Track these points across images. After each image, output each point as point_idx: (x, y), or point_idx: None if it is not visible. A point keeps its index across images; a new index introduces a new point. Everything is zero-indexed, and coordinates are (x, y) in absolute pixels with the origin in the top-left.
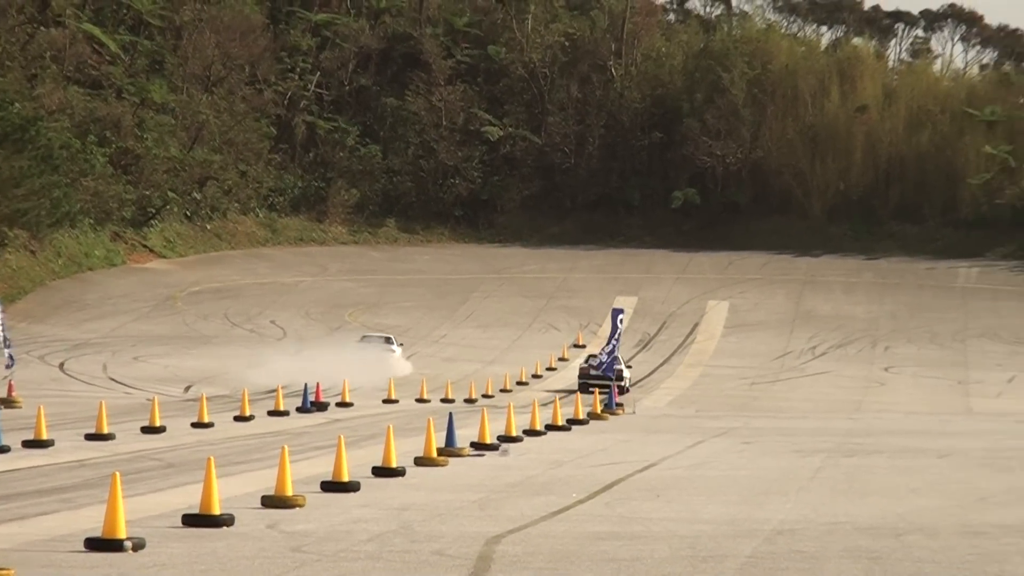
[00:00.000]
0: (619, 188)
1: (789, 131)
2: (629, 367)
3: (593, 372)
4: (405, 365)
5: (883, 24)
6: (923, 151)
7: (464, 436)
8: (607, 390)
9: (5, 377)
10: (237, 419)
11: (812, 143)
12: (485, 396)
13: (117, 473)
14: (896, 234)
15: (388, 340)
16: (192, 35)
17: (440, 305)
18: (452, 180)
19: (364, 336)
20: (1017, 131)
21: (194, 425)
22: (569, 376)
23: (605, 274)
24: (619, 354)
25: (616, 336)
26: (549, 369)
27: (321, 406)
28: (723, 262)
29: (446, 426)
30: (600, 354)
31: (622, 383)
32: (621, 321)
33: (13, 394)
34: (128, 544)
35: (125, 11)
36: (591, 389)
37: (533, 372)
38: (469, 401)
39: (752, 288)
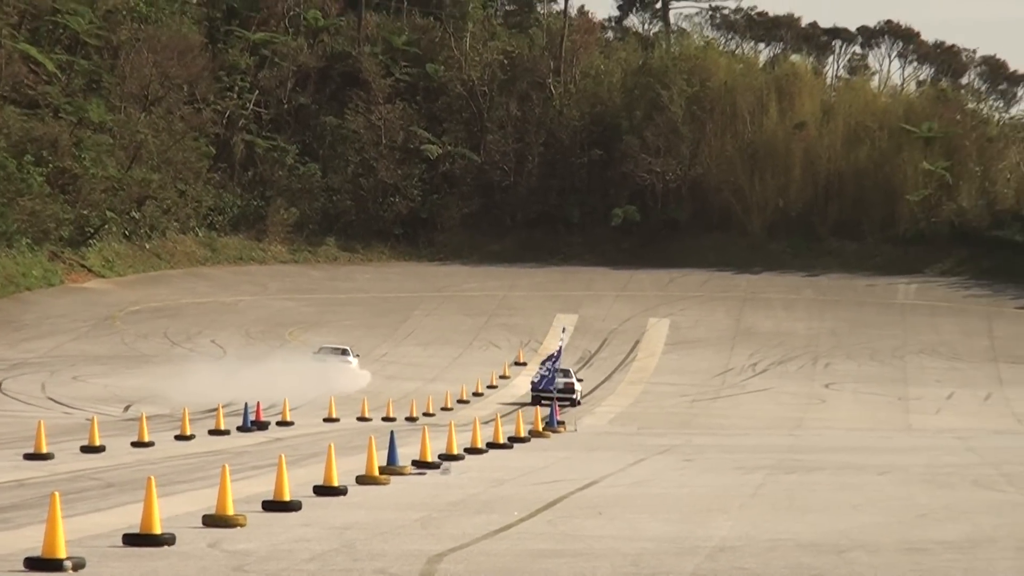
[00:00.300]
0: (559, 206)
1: (728, 148)
2: (580, 380)
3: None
4: (363, 375)
5: (820, 41)
6: (861, 167)
7: (406, 454)
8: (560, 402)
9: None
10: (177, 438)
11: (751, 160)
12: (426, 414)
13: (56, 493)
14: (835, 251)
15: (344, 352)
16: (129, 54)
17: (381, 323)
18: (392, 198)
19: (321, 348)
20: (954, 147)
21: (134, 444)
22: (510, 393)
23: (545, 292)
24: (570, 368)
25: (557, 353)
26: (490, 387)
27: (262, 425)
28: (663, 279)
29: (387, 444)
30: (541, 368)
31: (574, 396)
32: (562, 338)
33: None
34: (68, 564)
35: (62, 31)
36: (544, 402)
37: (474, 390)
38: (410, 419)
39: (693, 305)
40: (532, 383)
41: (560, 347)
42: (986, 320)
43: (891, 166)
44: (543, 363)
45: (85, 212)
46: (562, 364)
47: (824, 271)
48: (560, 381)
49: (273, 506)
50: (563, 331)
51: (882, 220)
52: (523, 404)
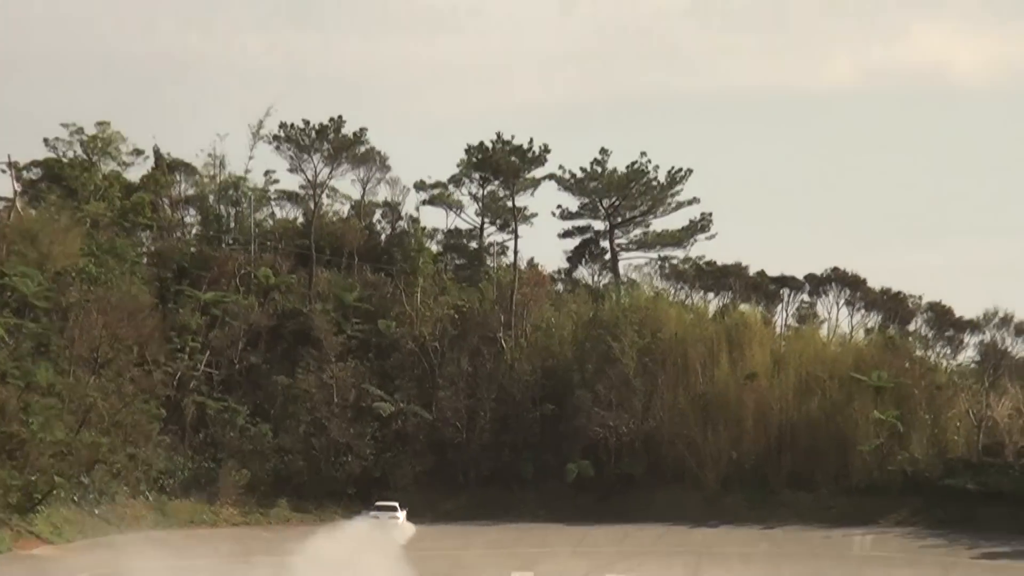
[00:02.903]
0: (512, 462)
1: (680, 400)
2: None
3: None
4: (409, 528)
5: (769, 289)
6: (813, 417)
7: None
8: None
9: None
10: None
11: (703, 412)
12: None
13: None
14: (790, 503)
15: (393, 508)
16: (79, 316)
17: None
18: (344, 457)
19: (376, 504)
20: (904, 395)
21: None
22: None
23: (500, 549)
24: None
25: None
26: None
27: None
28: (619, 535)
29: None
30: None
31: None
32: None
33: None
34: None
35: (9, 294)
36: None
37: None
38: None
39: (649, 560)
40: None
41: None
42: (942, 570)
43: (843, 416)
44: None
45: (33, 478)
46: None
47: (779, 523)
48: None
49: None
50: None
51: (836, 470)
52: None
